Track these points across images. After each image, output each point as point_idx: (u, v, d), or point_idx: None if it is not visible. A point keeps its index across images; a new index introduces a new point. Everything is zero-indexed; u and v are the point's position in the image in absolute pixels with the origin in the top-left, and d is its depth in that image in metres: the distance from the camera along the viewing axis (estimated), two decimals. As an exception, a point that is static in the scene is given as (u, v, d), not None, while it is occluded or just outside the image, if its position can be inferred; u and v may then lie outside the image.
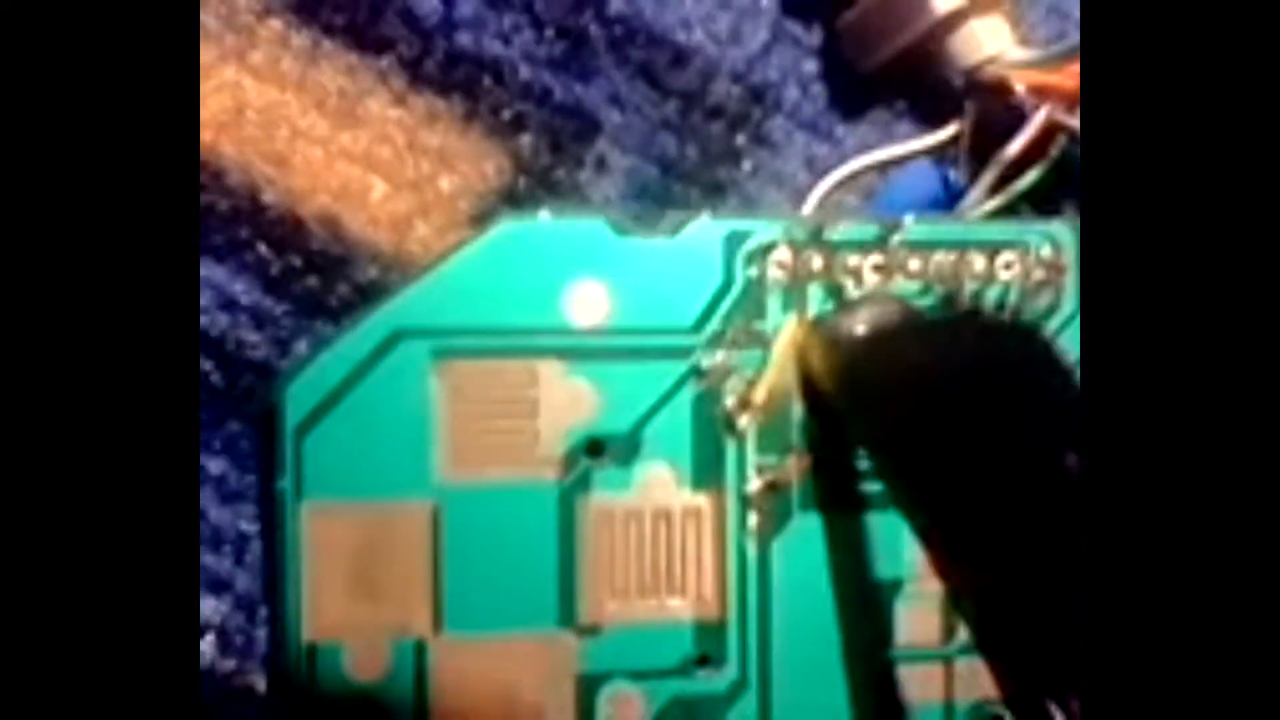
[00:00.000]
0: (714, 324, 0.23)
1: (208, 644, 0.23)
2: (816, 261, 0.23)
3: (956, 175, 0.25)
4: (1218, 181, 0.17)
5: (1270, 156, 0.17)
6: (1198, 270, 0.17)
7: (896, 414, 0.22)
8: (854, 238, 0.24)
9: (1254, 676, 0.16)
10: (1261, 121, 0.17)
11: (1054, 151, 0.24)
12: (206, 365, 0.23)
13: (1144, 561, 0.17)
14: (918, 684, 0.24)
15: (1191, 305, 0.17)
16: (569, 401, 0.23)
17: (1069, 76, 0.24)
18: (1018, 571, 0.20)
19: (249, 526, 0.23)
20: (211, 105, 0.24)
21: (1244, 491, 0.17)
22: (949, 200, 0.25)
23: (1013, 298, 0.24)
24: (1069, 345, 0.23)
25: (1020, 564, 0.20)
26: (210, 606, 0.23)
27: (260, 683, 0.23)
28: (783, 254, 0.23)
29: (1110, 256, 0.18)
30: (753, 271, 0.23)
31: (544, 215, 0.23)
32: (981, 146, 0.25)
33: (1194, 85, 0.18)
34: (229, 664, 0.23)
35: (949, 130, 0.26)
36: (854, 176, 0.25)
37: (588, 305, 0.23)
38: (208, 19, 0.24)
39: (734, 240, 0.23)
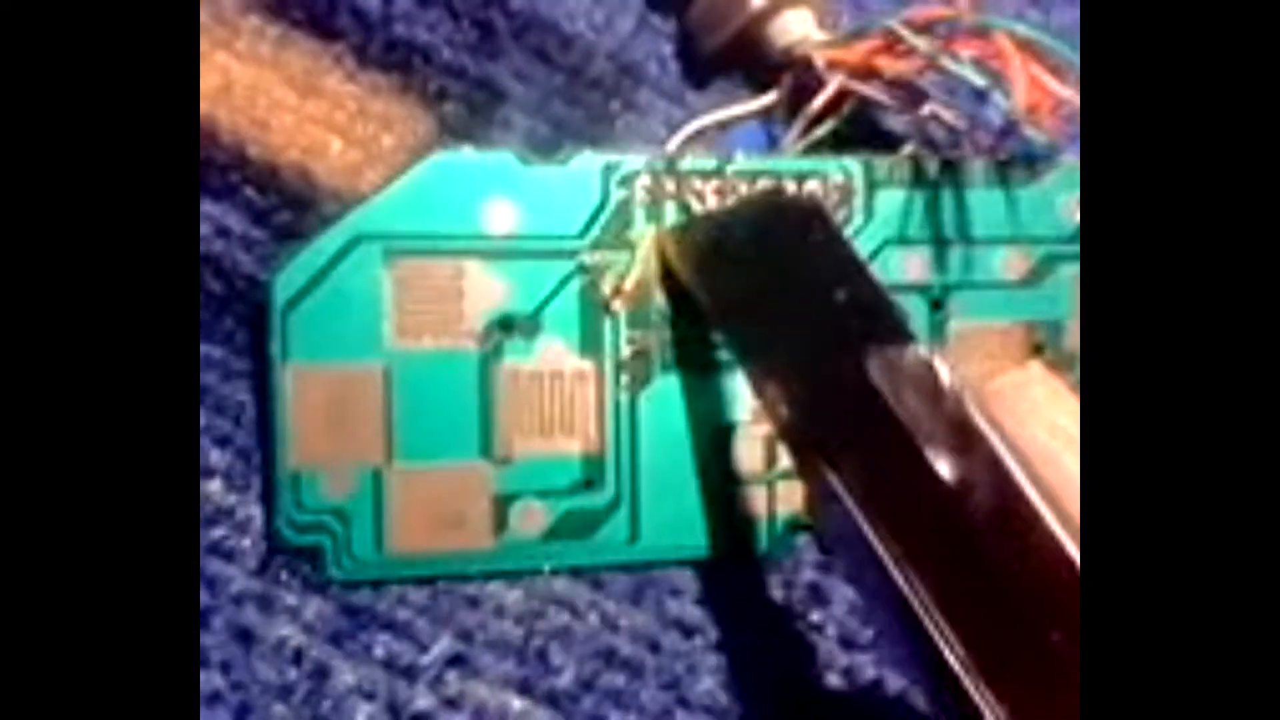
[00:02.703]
0: (595, 232, 0.24)
1: (216, 485, 0.24)
2: (670, 186, 0.25)
3: (777, 130, 0.27)
4: (1219, 176, 0.17)
5: (1268, 150, 0.17)
6: (1195, 254, 0.17)
7: (729, 286, 0.23)
8: (698, 168, 0.25)
9: (1256, 681, 0.16)
10: (1260, 115, 0.17)
11: (845, 109, 0.26)
12: (208, 278, 0.24)
13: (1143, 530, 0.16)
14: (750, 501, 0.25)
15: (1191, 292, 0.17)
16: (486, 290, 0.24)
17: (856, 52, 0.25)
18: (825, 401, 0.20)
19: (245, 397, 0.24)
20: (206, 83, 0.24)
21: (1245, 474, 0.16)
22: (771, 149, 0.27)
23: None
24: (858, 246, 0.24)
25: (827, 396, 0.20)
26: (217, 456, 0.24)
27: (258, 513, 0.24)
28: (645, 180, 0.25)
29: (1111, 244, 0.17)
30: (623, 193, 0.25)
31: (468, 150, 0.24)
32: (795, 107, 0.26)
33: (1191, 77, 0.17)
34: (232, 499, 0.24)
35: (771, 96, 0.27)
36: (701, 132, 0.27)
37: (500, 218, 0.24)
38: (202, 16, 0.24)
39: (609, 169, 0.24)
